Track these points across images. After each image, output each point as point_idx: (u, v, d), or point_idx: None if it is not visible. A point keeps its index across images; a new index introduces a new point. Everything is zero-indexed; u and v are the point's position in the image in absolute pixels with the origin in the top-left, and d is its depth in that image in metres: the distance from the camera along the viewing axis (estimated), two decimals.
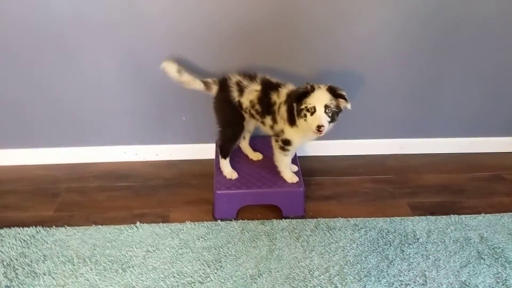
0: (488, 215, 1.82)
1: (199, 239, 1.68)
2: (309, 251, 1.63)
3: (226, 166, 1.80)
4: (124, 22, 1.80)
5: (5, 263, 1.56)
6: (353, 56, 1.94)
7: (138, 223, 1.76)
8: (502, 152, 2.24)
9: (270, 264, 1.57)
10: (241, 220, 1.77)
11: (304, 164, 1.99)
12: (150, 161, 2.17)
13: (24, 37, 1.81)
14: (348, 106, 1.55)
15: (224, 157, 1.79)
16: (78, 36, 1.82)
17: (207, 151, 2.12)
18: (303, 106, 1.53)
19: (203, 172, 2.07)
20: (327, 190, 1.97)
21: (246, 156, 1.92)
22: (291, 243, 1.66)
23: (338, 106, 1.55)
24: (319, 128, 1.49)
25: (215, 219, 1.78)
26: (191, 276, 1.52)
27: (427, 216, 1.81)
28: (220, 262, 1.58)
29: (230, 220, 1.77)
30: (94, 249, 1.63)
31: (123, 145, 2.14)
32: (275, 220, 1.77)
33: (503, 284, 1.51)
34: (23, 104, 1.99)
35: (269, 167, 1.81)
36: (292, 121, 1.60)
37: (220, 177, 1.77)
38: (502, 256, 1.62)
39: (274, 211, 1.80)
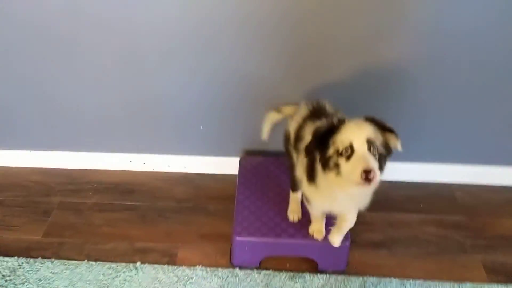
0: None
1: None
2: None
3: (291, 201, 1.49)
4: (129, 18, 1.46)
5: None
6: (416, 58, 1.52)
7: (138, 263, 1.49)
8: None
9: None
10: (265, 271, 1.46)
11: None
12: (160, 173, 1.89)
13: (19, 32, 1.51)
14: (399, 146, 1.07)
15: (292, 189, 1.47)
16: (77, 31, 1.50)
17: (227, 165, 1.83)
18: (331, 151, 1.04)
19: (222, 193, 1.77)
20: (378, 232, 1.63)
21: (278, 190, 1.58)
22: None
23: (386, 145, 1.06)
24: (367, 174, 0.96)
25: (233, 266, 1.48)
26: None
27: (510, 286, 1.43)
28: None
29: (252, 269, 1.46)
30: None
31: (129, 152, 1.86)
32: (308, 274, 1.46)
33: None
34: (19, 102, 1.73)
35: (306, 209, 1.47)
36: (310, 176, 1.17)
37: (241, 216, 1.45)
38: None
39: (308, 261, 1.49)
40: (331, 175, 1.06)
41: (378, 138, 1.03)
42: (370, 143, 1.01)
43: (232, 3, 1.43)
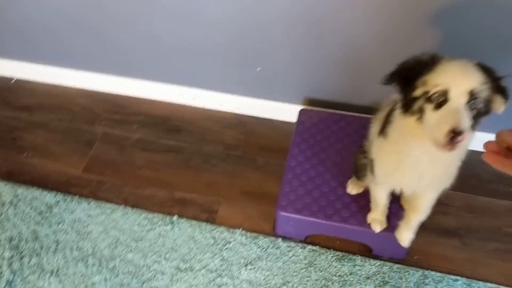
0: None
1: (246, 265, 1.27)
2: None
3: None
4: None
5: (13, 243, 1.34)
6: None
7: (176, 216, 1.39)
8: None
9: None
10: (310, 247, 1.29)
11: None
12: (211, 111, 1.70)
13: None
14: (502, 108, 0.79)
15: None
16: None
17: (285, 112, 1.59)
18: (419, 91, 0.78)
19: (275, 144, 1.57)
20: (452, 217, 1.36)
21: (337, 158, 1.32)
22: None
23: (488, 103, 0.78)
24: (455, 136, 0.72)
25: (276, 236, 1.32)
26: None
27: None
28: None
29: (296, 242, 1.30)
30: (116, 248, 1.33)
31: (180, 85, 1.67)
32: (359, 257, 1.27)
33: None
34: (76, 20, 1.54)
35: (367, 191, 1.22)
36: (383, 127, 0.94)
37: (289, 186, 1.25)
38: None
39: (361, 244, 1.28)
40: (411, 119, 0.81)
41: (483, 92, 0.75)
42: (472, 96, 0.74)
43: None
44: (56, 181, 1.50)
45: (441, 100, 0.76)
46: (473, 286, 1.22)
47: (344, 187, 1.24)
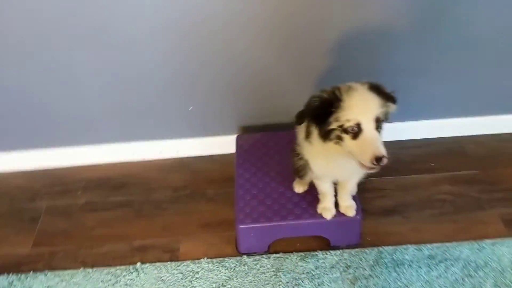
0: None
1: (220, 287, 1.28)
2: None
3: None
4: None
5: None
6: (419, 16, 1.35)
7: (138, 263, 1.37)
8: None
9: None
10: (274, 255, 1.35)
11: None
12: (152, 161, 1.75)
13: None
14: (394, 108, 1.01)
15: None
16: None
17: (223, 144, 1.70)
18: (334, 125, 0.96)
19: (221, 175, 1.65)
20: (389, 198, 1.51)
21: (279, 168, 1.44)
22: None
23: (387, 114, 0.98)
24: (378, 161, 0.91)
25: (240, 254, 1.36)
26: None
27: None
28: None
29: (260, 255, 1.35)
30: None
31: (117, 142, 1.70)
32: (320, 252, 1.35)
33: None
34: None
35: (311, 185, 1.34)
36: (307, 135, 1.09)
37: (243, 201, 1.33)
38: None
39: (319, 238, 1.38)
40: (331, 143, 0.98)
41: (382, 111, 0.95)
42: (378, 121, 0.94)
43: None
44: (7, 263, 1.41)
45: (356, 131, 0.94)
46: (422, 249, 1.34)
47: (291, 189, 1.35)
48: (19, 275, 1.37)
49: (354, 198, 1.29)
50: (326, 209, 1.26)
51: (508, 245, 1.33)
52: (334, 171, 1.12)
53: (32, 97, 1.54)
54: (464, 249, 1.33)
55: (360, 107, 0.94)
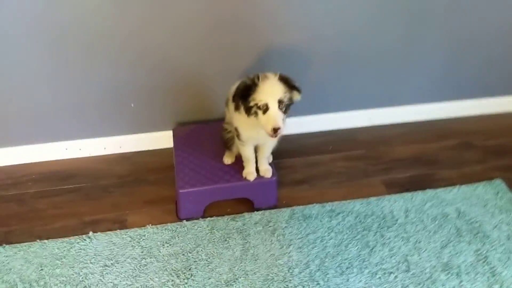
0: (462, 186, 1.78)
1: (163, 245, 1.51)
2: (286, 246, 1.52)
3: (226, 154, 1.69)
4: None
5: None
6: (311, 26, 1.77)
7: (91, 232, 1.56)
8: (469, 116, 2.20)
9: (245, 266, 1.45)
10: (209, 218, 1.62)
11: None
12: (97, 156, 1.94)
13: None
14: (299, 97, 1.36)
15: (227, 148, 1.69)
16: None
17: (162, 139, 1.93)
18: (252, 104, 1.29)
19: (160, 165, 1.88)
20: (299, 173, 1.86)
21: (211, 149, 1.73)
22: (266, 238, 1.54)
23: (291, 99, 1.33)
24: (275, 130, 1.26)
25: (180, 220, 1.61)
26: None
27: (403, 193, 1.75)
28: (190, 269, 1.43)
29: (197, 219, 1.61)
30: (41, 270, 1.42)
31: (64, 140, 1.88)
32: (246, 213, 1.64)
33: (484, 262, 1.49)
34: None
35: (236, 161, 1.64)
36: (237, 107, 1.40)
37: (182, 173, 1.59)
38: (480, 231, 1.60)
39: (245, 203, 1.67)
40: (252, 117, 1.32)
41: (286, 96, 1.30)
42: (280, 102, 1.28)
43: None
44: None
45: (265, 108, 1.28)
46: (325, 206, 1.68)
47: (221, 163, 1.64)
48: None
49: (271, 165, 1.62)
50: (250, 173, 1.57)
51: (388, 200, 1.72)
52: (255, 135, 1.43)
53: None
54: (356, 204, 1.70)
55: (268, 91, 1.28)
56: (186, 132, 1.80)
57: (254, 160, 1.57)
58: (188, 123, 1.91)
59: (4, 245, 1.50)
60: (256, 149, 1.56)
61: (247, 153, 1.53)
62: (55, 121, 1.81)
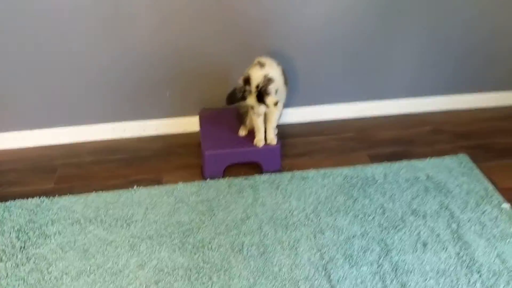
0: (432, 158, 2.13)
1: (192, 195, 1.88)
2: (287, 196, 1.88)
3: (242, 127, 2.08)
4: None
5: (15, 228, 1.70)
6: (296, 25, 2.17)
7: (135, 186, 1.93)
8: (441, 110, 2.56)
9: (256, 209, 1.81)
10: (227, 178, 1.98)
11: (279, 130, 2.20)
12: (137, 137, 2.33)
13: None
14: (279, 105, 1.86)
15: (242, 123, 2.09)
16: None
17: (191, 124, 2.31)
18: (248, 103, 1.82)
19: (188, 143, 2.26)
20: (300, 148, 2.23)
21: (230, 125, 2.12)
22: (271, 192, 1.90)
23: (263, 101, 1.80)
24: (258, 115, 1.85)
25: (205, 179, 1.98)
26: (189, 224, 1.73)
27: (383, 163, 2.10)
28: (212, 211, 1.80)
29: (218, 178, 1.98)
30: (98, 211, 1.79)
31: (111, 122, 2.29)
32: (257, 175, 2.00)
33: (445, 209, 1.82)
34: (9, 87, 2.09)
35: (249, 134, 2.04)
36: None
37: (207, 139, 1.98)
38: (444, 188, 1.93)
39: (255, 169, 2.03)
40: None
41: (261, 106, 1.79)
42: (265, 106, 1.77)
43: None
44: (35, 193, 1.87)
45: (253, 107, 1.74)
46: (319, 171, 2.03)
47: (238, 134, 2.03)
48: (48, 197, 1.86)
49: (276, 136, 1.99)
50: (260, 139, 1.95)
51: (371, 167, 2.06)
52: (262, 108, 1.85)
53: None
54: (345, 170, 2.04)
55: (252, 100, 1.76)
56: (210, 114, 2.19)
57: (263, 130, 1.95)
58: (211, 109, 2.31)
59: (68, 194, 1.89)
60: (265, 121, 1.94)
61: (258, 123, 1.92)
62: (105, 105, 2.22)
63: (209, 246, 1.63)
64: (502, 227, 1.73)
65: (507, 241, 1.67)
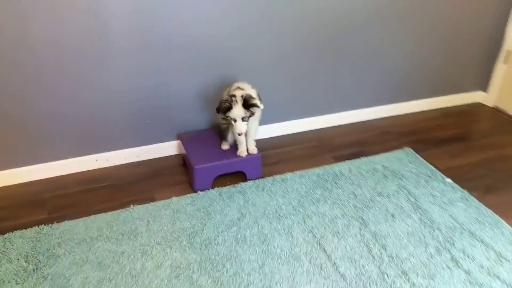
0: (384, 153, 2.51)
1: (187, 205, 2.05)
2: (273, 195, 2.12)
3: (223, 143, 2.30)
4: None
5: (22, 255, 1.74)
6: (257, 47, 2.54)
7: (131, 206, 2.05)
8: (386, 117, 3.01)
9: (248, 209, 2.02)
10: (216, 188, 2.18)
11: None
12: (120, 165, 2.45)
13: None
14: (261, 107, 2.04)
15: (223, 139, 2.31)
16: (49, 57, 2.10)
17: (169, 148, 2.49)
18: (230, 117, 2.03)
19: (170, 164, 2.43)
20: (274, 158, 2.49)
21: (210, 142, 2.34)
22: (259, 194, 2.13)
23: (252, 112, 2.03)
24: (239, 134, 2.06)
25: (195, 191, 2.16)
26: (192, 228, 1.89)
27: (346, 161, 2.43)
28: (210, 215, 1.97)
29: (208, 189, 2.17)
30: (101, 230, 1.89)
31: (94, 154, 2.39)
32: (242, 182, 2.22)
33: (403, 188, 2.17)
34: None
35: (230, 148, 2.28)
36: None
37: (194, 156, 2.17)
38: (399, 174, 2.30)
39: (240, 178, 2.26)
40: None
41: (247, 113, 2.02)
42: (243, 118, 2.00)
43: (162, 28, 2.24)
44: (32, 224, 1.93)
45: (234, 121, 2.00)
46: (295, 173, 2.32)
47: (220, 149, 2.25)
48: (46, 225, 1.91)
49: (256, 147, 2.25)
50: (242, 151, 2.19)
51: (337, 165, 2.38)
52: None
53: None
54: (316, 170, 2.34)
55: (236, 113, 2.00)
56: (188, 136, 2.39)
57: (245, 143, 2.21)
58: (188, 132, 2.52)
59: (67, 220, 1.96)
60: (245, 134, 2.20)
61: (240, 137, 2.17)
62: (88, 137, 2.33)
63: (216, 242, 1.80)
64: (449, 196, 2.12)
65: (455, 205, 2.05)
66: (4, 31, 1.93)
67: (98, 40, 2.10)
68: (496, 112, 3.10)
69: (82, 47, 2.10)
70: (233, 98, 1.98)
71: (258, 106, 2.01)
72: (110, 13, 2.06)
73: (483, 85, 3.19)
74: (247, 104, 1.99)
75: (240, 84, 2.10)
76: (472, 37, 2.96)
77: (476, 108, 3.17)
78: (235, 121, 2.02)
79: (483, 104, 3.22)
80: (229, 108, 1.99)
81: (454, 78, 3.10)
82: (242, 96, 1.98)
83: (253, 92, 2.09)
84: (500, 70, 3.05)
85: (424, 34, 2.81)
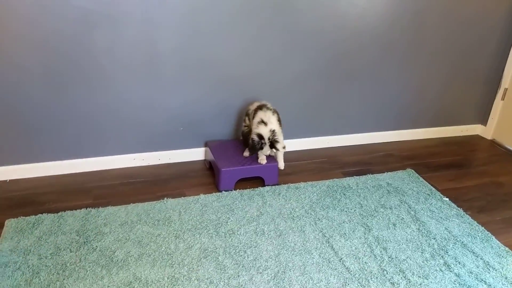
0: (388, 172, 2.76)
1: (213, 202, 2.31)
2: (288, 199, 2.37)
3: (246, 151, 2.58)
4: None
5: (74, 230, 2.00)
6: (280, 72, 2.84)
7: (165, 199, 2.32)
8: (389, 141, 3.27)
9: (266, 209, 2.27)
10: (238, 190, 2.44)
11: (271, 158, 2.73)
12: (154, 165, 2.73)
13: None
14: (282, 151, 2.44)
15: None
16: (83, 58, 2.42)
17: (196, 153, 2.78)
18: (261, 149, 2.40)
19: (196, 168, 2.71)
20: (288, 169, 2.75)
21: (234, 149, 2.62)
22: (275, 197, 2.38)
23: (277, 148, 2.39)
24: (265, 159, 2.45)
25: (220, 191, 2.42)
26: (217, 220, 2.14)
27: (353, 177, 2.69)
28: (233, 211, 2.23)
29: (231, 190, 2.43)
30: (140, 215, 2.15)
31: (132, 153, 2.68)
32: (260, 187, 2.49)
33: (404, 203, 2.41)
34: (52, 121, 2.46)
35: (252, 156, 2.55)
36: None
37: (221, 160, 2.45)
38: (401, 191, 2.54)
39: (258, 183, 2.52)
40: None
41: (273, 151, 2.38)
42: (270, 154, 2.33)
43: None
44: (79, 207, 2.21)
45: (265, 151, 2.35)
46: (307, 183, 2.57)
47: (242, 156, 2.53)
48: (93, 208, 2.19)
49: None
50: (262, 159, 2.46)
51: (345, 180, 2.64)
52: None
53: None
54: (326, 182, 2.59)
55: (264, 151, 2.35)
56: (216, 144, 2.68)
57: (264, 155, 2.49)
58: (215, 140, 2.80)
59: (110, 206, 2.23)
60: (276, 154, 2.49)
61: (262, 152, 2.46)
62: (128, 138, 2.63)
63: (238, 232, 2.05)
64: (445, 212, 2.35)
65: (450, 220, 2.28)
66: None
67: (156, 70, 2.44)
68: (494, 144, 3.35)
69: (149, 76, 2.48)
70: (262, 141, 2.31)
71: (277, 148, 2.38)
72: (165, 47, 2.44)
73: (482, 119, 3.45)
74: (273, 145, 2.35)
75: (261, 105, 2.39)
76: (474, 75, 3.24)
77: (475, 140, 3.42)
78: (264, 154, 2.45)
79: (482, 137, 3.47)
80: (261, 148, 2.34)
81: (456, 111, 3.37)
82: (269, 138, 2.30)
83: (275, 123, 2.38)
84: (498, 105, 3.31)
85: (430, 68, 3.11)
